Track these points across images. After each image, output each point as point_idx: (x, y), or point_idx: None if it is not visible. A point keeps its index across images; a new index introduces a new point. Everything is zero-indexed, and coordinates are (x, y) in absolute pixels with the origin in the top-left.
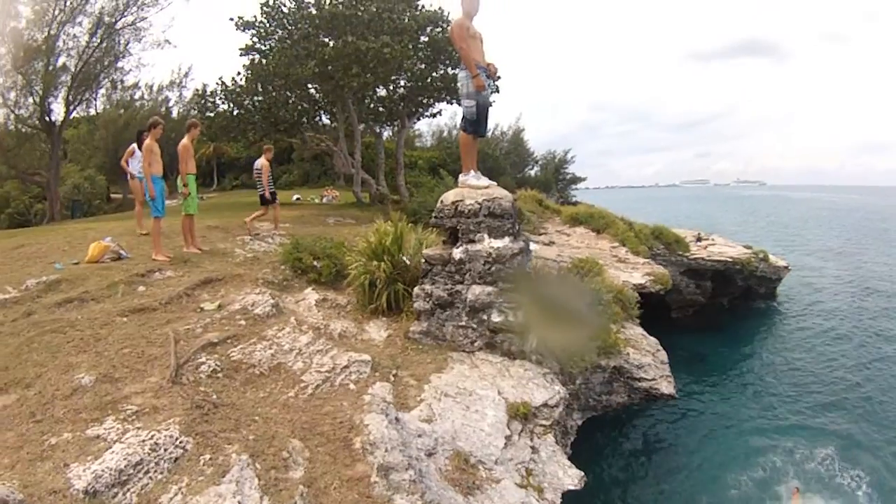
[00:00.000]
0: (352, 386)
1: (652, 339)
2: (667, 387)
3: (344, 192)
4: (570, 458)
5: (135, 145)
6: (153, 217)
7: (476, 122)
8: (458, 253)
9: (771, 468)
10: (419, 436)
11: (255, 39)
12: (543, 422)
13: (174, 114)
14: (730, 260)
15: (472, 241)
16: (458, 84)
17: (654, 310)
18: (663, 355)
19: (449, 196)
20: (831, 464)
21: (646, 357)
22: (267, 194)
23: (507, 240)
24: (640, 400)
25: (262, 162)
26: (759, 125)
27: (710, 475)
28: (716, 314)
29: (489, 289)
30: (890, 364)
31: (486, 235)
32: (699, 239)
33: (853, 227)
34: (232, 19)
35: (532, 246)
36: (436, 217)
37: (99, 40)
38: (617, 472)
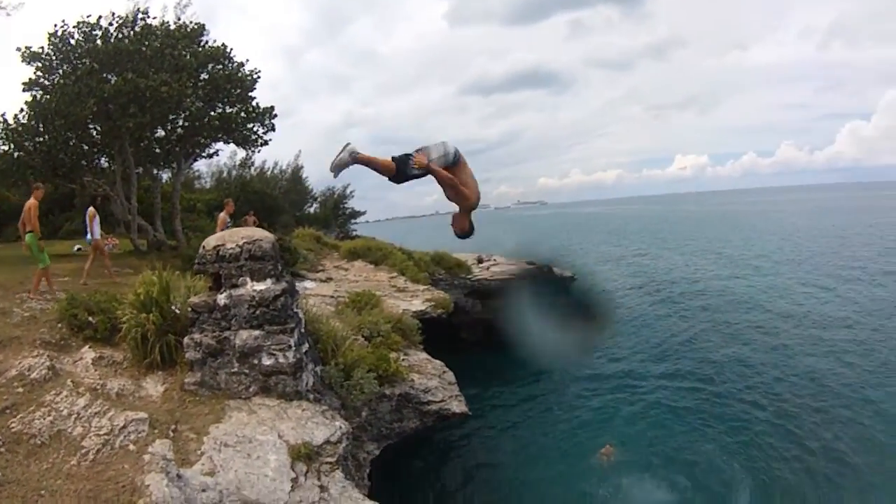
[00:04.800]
0: (131, 447)
1: (437, 362)
2: (458, 406)
3: (124, 240)
4: (371, 489)
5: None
6: None
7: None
8: (222, 299)
9: (575, 459)
10: (203, 490)
11: (40, 73)
12: (329, 459)
13: None
14: (513, 277)
15: (236, 286)
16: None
17: (443, 333)
18: (450, 376)
19: (211, 241)
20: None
21: (432, 380)
22: None
23: (269, 282)
24: (433, 422)
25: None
26: (539, 150)
27: (521, 477)
28: (506, 330)
29: (256, 332)
30: (666, 349)
31: (248, 279)
32: (481, 261)
33: (634, 233)
34: (20, 49)
35: (308, 284)
36: (199, 263)
37: None
38: (430, 493)
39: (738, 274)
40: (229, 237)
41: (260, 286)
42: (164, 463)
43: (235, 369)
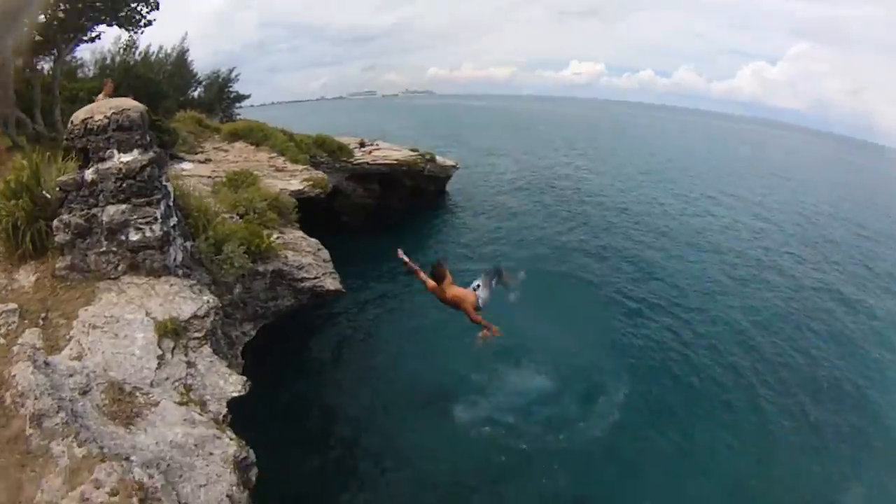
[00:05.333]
0: (1, 340)
1: (312, 240)
2: (332, 283)
3: (2, 137)
4: (245, 369)
5: None
6: None
7: None
8: (89, 174)
9: (451, 340)
10: (71, 375)
11: None
12: (196, 334)
13: None
14: (395, 162)
15: (103, 160)
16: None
17: (324, 217)
18: (325, 254)
19: (79, 115)
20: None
21: (306, 258)
22: None
23: (136, 152)
24: (308, 300)
25: None
26: (431, 42)
27: (395, 350)
28: (388, 215)
29: (123, 206)
30: (541, 238)
31: (115, 151)
32: (363, 145)
33: (522, 131)
34: None
35: (186, 165)
36: (67, 139)
37: None
38: (306, 367)
39: (621, 180)
40: (97, 108)
41: (126, 157)
42: (31, 352)
43: (104, 248)
